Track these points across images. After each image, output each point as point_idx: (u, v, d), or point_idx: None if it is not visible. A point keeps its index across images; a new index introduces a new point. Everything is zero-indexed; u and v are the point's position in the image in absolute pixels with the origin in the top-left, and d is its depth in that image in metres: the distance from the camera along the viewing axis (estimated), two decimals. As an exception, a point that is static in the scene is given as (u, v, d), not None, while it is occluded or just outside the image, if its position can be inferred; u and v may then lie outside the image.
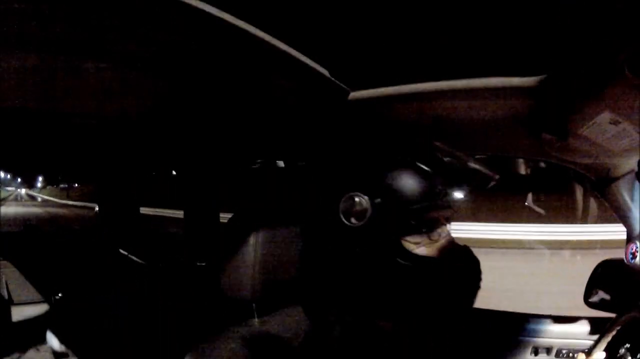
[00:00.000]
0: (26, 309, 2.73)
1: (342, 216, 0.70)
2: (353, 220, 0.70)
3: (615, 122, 0.82)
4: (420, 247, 0.71)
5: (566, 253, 7.24)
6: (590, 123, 0.84)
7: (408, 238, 0.71)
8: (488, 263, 0.78)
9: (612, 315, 1.00)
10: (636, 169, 1.01)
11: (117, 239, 3.27)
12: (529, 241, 7.73)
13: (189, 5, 0.57)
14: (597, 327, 1.19)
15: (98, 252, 3.24)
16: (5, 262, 2.91)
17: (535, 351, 1.30)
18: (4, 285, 2.79)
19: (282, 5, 0.60)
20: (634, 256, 1.22)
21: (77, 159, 3.03)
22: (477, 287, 0.73)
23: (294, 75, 0.82)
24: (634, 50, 0.58)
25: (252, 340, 0.80)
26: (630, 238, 1.26)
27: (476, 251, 0.75)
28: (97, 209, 3.48)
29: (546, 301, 3.90)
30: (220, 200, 2.57)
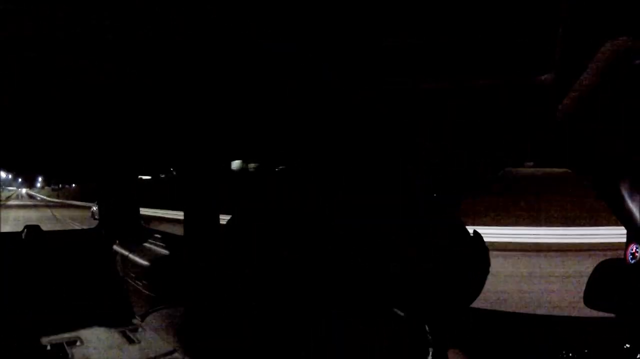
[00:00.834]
0: (26, 309, 2.73)
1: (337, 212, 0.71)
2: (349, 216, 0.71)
3: (615, 122, 0.82)
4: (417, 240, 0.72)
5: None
6: (590, 123, 0.84)
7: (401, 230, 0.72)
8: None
9: (612, 315, 1.00)
10: (636, 169, 1.01)
11: (117, 239, 3.27)
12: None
13: (188, 5, 0.57)
14: (597, 327, 1.19)
15: (98, 252, 3.24)
16: (5, 262, 2.92)
17: (535, 351, 1.30)
18: (4, 285, 2.79)
19: (283, 5, 0.60)
20: (634, 256, 1.22)
21: (78, 159, 3.03)
22: (485, 276, 0.74)
23: (294, 75, 0.82)
24: (635, 46, 0.58)
25: (252, 339, 0.80)
26: (630, 238, 1.25)
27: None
28: (94, 208, 3.48)
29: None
30: (220, 201, 2.57)
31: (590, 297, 1.15)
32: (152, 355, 2.41)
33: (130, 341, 2.66)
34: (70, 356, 2.48)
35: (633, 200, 1.23)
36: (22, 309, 2.72)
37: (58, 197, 26.27)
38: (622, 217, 1.26)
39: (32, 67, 0.73)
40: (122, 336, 2.72)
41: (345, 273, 0.76)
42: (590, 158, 1.12)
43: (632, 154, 1.07)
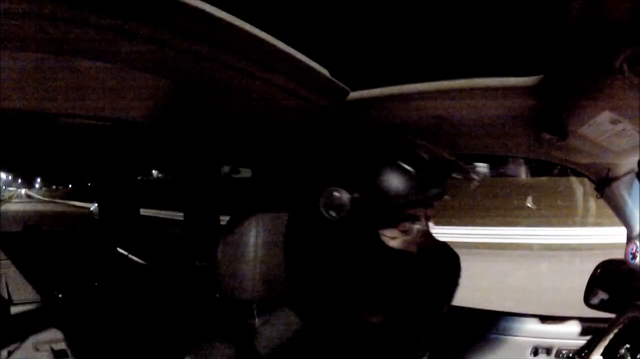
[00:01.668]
0: (26, 309, 2.73)
1: (322, 209, 0.72)
2: (332, 213, 0.73)
3: (615, 122, 0.82)
4: (394, 241, 0.73)
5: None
6: (590, 123, 0.84)
7: (385, 232, 0.73)
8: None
9: (612, 315, 1.00)
10: (636, 169, 1.01)
11: (117, 239, 3.27)
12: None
13: (188, 5, 0.57)
14: (597, 327, 1.19)
15: (98, 252, 3.24)
16: (5, 262, 2.92)
17: (535, 352, 1.30)
18: (4, 285, 2.79)
19: (282, 5, 0.61)
20: (634, 256, 1.22)
21: (78, 159, 3.03)
22: (455, 283, 0.75)
23: (293, 75, 0.82)
24: (635, 50, 0.58)
25: (252, 340, 0.80)
26: (630, 238, 1.26)
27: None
28: (93, 208, 3.48)
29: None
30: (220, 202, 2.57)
31: (590, 297, 1.15)
32: (152, 355, 2.41)
33: (131, 341, 2.66)
34: (70, 356, 2.47)
35: (632, 201, 1.23)
36: (22, 309, 2.72)
37: (52, 197, 30.88)
38: (621, 218, 1.26)
39: (32, 67, 0.73)
40: (122, 336, 2.71)
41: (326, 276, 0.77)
42: (589, 158, 1.12)
43: (631, 154, 1.07)
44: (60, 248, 3.17)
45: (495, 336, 1.35)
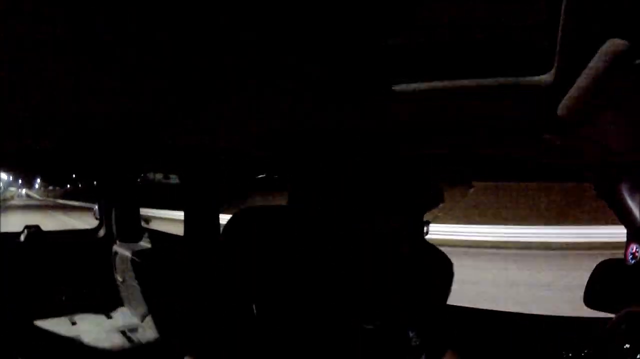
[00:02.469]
0: (26, 308, 2.74)
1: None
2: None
3: (615, 122, 0.82)
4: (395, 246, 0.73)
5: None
6: (591, 123, 0.84)
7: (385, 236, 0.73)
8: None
9: (612, 315, 1.00)
10: (636, 169, 1.01)
11: (117, 239, 3.27)
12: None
13: (189, 5, 0.57)
14: (597, 327, 1.19)
15: (97, 252, 3.24)
16: (5, 261, 2.92)
17: (535, 352, 1.30)
18: (5, 285, 2.79)
19: (282, 5, 0.60)
20: (634, 256, 1.22)
21: (78, 160, 3.03)
22: (449, 286, 0.75)
23: (294, 75, 0.82)
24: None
25: (252, 341, 0.80)
26: (630, 238, 1.25)
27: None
28: (96, 208, 3.49)
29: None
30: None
31: (590, 297, 1.15)
32: (152, 355, 2.42)
33: (131, 341, 2.66)
34: (70, 356, 2.48)
35: (633, 200, 1.23)
36: (22, 308, 2.72)
37: (48, 196, 35.55)
38: (622, 217, 1.26)
39: (32, 67, 0.73)
40: (122, 336, 2.72)
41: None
42: (590, 158, 1.12)
43: (632, 154, 1.07)
44: (61, 248, 3.18)
45: (495, 335, 1.35)
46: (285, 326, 0.80)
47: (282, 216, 0.88)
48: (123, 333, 2.77)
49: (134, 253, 2.93)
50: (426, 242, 0.77)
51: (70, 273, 3.08)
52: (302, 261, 0.82)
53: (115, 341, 2.67)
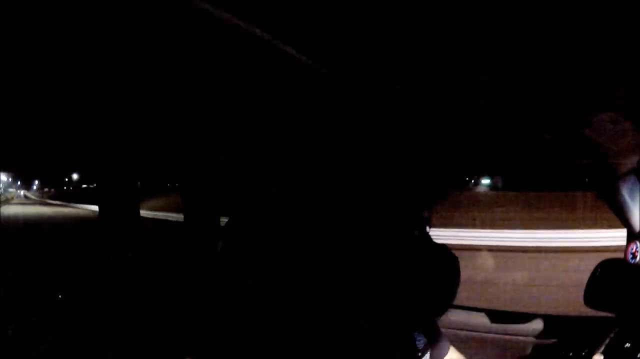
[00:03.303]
0: (26, 308, 2.73)
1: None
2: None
3: (615, 122, 0.82)
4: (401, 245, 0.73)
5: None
6: (591, 123, 0.84)
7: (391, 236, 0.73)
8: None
9: (612, 315, 1.00)
10: (636, 169, 1.01)
11: (117, 240, 3.27)
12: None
13: (190, 6, 0.57)
14: (597, 327, 1.19)
15: (97, 252, 3.24)
16: (5, 261, 2.92)
17: (535, 351, 1.30)
18: (4, 285, 2.79)
19: (283, 4, 0.60)
20: (634, 255, 1.22)
21: (78, 160, 3.03)
22: (455, 285, 0.75)
23: (296, 75, 0.82)
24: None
25: (253, 340, 0.80)
26: (630, 238, 1.26)
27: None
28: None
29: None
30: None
31: (591, 297, 1.15)
32: (153, 355, 2.41)
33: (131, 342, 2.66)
34: (70, 356, 2.47)
35: (633, 200, 1.23)
36: (22, 308, 2.72)
37: (42, 197, 40.12)
38: (622, 217, 1.26)
39: (32, 68, 0.73)
40: (122, 335, 2.72)
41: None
42: (590, 158, 1.12)
43: (632, 154, 1.07)
44: (60, 248, 3.17)
45: (496, 335, 1.35)
46: (287, 327, 0.80)
47: (282, 218, 0.88)
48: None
49: (134, 253, 2.92)
50: (430, 241, 0.77)
51: (69, 272, 3.07)
52: (304, 261, 0.82)
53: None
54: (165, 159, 2.46)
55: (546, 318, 1.33)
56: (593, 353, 0.95)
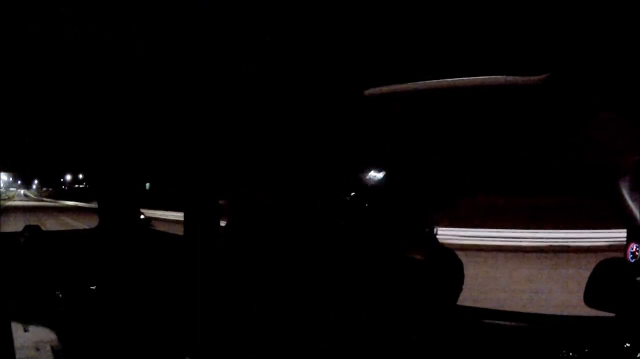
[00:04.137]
0: (26, 308, 2.73)
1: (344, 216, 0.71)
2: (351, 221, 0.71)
3: (615, 122, 0.82)
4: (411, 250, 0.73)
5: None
6: (591, 123, 0.84)
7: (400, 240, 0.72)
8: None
9: (612, 315, 1.00)
10: (637, 169, 1.01)
11: (117, 240, 3.27)
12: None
13: (192, 6, 0.57)
14: (597, 327, 1.19)
15: (97, 252, 3.24)
16: (5, 261, 2.92)
17: (535, 351, 1.30)
18: (4, 285, 2.79)
19: (294, 3, 0.60)
20: (634, 255, 1.22)
21: (78, 159, 3.03)
22: (459, 287, 0.75)
23: (305, 74, 0.82)
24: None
25: (253, 338, 0.80)
26: (630, 238, 1.25)
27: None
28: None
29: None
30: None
31: (591, 296, 1.15)
32: (153, 355, 2.41)
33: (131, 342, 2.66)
34: (70, 356, 2.47)
35: (633, 200, 1.23)
36: (22, 308, 2.72)
37: (41, 196, 43.22)
38: (622, 217, 1.26)
39: (33, 67, 0.73)
40: (122, 336, 2.71)
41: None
42: (590, 158, 1.12)
43: (632, 154, 1.07)
44: (60, 248, 3.17)
45: (497, 335, 1.34)
46: (287, 327, 0.80)
47: (284, 218, 0.88)
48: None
49: (133, 253, 2.92)
50: (437, 244, 0.77)
51: (70, 272, 3.07)
52: (305, 261, 0.82)
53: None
54: (167, 162, 2.46)
55: (546, 317, 1.33)
56: (593, 353, 0.95)
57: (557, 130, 0.95)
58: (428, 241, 0.76)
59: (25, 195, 45.18)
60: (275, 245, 0.84)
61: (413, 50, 0.79)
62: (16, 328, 2.55)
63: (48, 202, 30.39)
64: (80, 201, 25.10)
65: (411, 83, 0.91)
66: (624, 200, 1.22)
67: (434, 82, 0.90)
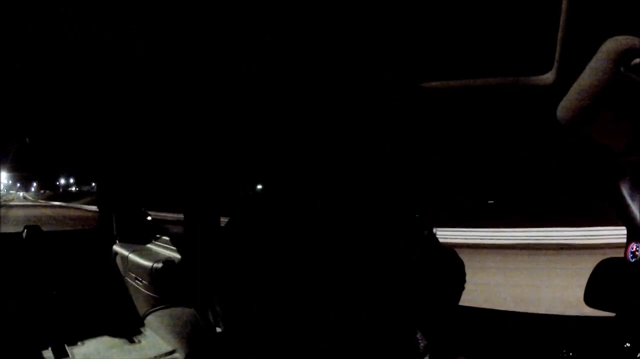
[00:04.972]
0: (26, 308, 2.73)
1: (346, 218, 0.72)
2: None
3: (615, 122, 0.82)
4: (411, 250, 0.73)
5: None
6: (592, 122, 0.84)
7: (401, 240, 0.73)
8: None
9: (612, 314, 1.00)
10: (637, 168, 1.01)
11: (116, 240, 3.27)
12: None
13: (192, 6, 0.57)
14: (597, 326, 1.19)
15: (97, 252, 3.24)
16: (5, 261, 2.92)
17: (535, 351, 1.30)
18: (4, 285, 2.79)
19: (307, 6, 0.61)
20: (634, 255, 1.22)
21: (78, 159, 3.03)
22: (461, 288, 0.75)
23: (305, 74, 0.82)
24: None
25: (252, 336, 0.80)
26: (630, 237, 1.25)
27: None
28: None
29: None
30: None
31: (591, 296, 1.15)
32: (152, 355, 2.41)
33: (131, 341, 2.66)
34: (71, 356, 2.48)
35: (633, 200, 1.23)
36: (22, 308, 2.72)
37: (39, 198, 45.08)
38: (622, 216, 1.26)
39: (33, 67, 0.73)
40: (122, 336, 2.72)
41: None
42: (590, 158, 1.12)
43: (632, 154, 1.07)
44: (60, 248, 3.17)
45: (497, 335, 1.34)
46: (287, 326, 0.80)
47: (286, 218, 0.88)
48: (123, 332, 2.77)
49: (133, 253, 2.93)
50: (438, 244, 0.77)
51: (69, 272, 3.07)
52: (306, 261, 0.82)
53: (115, 340, 2.67)
54: (166, 159, 2.46)
55: (546, 317, 1.33)
56: (593, 353, 0.95)
57: (557, 130, 0.95)
58: (428, 242, 0.76)
59: (24, 197, 47.41)
60: (275, 245, 0.84)
61: (413, 50, 0.79)
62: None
63: (41, 203, 36.08)
64: (63, 202, 31.66)
65: (411, 83, 0.91)
66: (624, 200, 1.22)
67: (434, 83, 0.90)
